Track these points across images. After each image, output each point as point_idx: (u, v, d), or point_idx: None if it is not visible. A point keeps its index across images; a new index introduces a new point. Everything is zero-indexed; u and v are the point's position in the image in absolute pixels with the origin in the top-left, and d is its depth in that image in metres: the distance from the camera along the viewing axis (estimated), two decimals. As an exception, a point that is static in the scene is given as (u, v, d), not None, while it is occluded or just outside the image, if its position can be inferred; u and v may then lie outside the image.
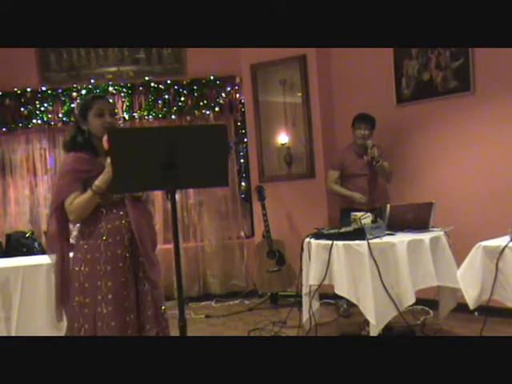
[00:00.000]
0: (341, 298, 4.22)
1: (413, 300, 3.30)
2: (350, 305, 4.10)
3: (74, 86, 5.49)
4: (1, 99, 5.41)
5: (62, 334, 3.24)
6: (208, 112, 5.64)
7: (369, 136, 4.40)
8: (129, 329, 2.35)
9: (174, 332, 2.10)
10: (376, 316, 3.24)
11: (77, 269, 2.36)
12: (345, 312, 4.56)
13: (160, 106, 5.59)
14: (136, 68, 5.66)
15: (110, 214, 2.39)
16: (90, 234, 2.38)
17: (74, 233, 2.53)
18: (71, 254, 2.45)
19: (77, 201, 2.34)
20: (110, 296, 2.32)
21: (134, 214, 2.41)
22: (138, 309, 2.40)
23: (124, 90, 5.55)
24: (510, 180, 4.20)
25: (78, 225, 2.48)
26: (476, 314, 3.61)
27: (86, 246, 2.37)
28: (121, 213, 2.40)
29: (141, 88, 5.58)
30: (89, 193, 2.33)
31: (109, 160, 2.22)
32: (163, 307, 2.49)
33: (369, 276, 3.26)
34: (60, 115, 5.48)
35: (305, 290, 3.71)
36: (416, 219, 3.69)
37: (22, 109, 5.43)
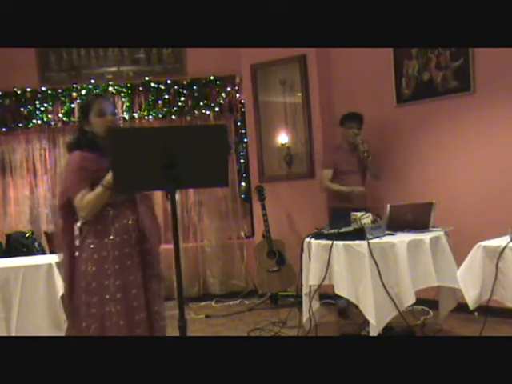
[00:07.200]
0: (341, 298, 4.22)
1: (413, 300, 3.30)
2: (351, 304, 4.02)
3: (74, 85, 5.49)
4: (1, 99, 5.41)
5: (62, 333, 3.25)
6: (208, 112, 5.65)
7: (359, 133, 4.53)
8: (138, 328, 2.33)
9: (174, 332, 2.10)
10: (376, 316, 3.24)
11: (83, 268, 2.34)
12: (342, 306, 4.39)
13: (160, 106, 5.59)
14: (136, 68, 5.67)
15: (118, 213, 2.37)
16: (97, 234, 2.35)
17: (77, 232, 2.51)
18: (76, 254, 2.42)
19: (88, 197, 2.31)
20: (118, 295, 2.31)
21: (144, 211, 2.41)
22: (147, 307, 2.39)
23: (124, 89, 5.55)
24: (510, 180, 4.20)
25: (78, 224, 2.46)
26: (476, 314, 3.60)
27: (92, 246, 2.35)
28: (128, 211, 2.39)
29: (141, 88, 5.58)
30: (100, 188, 2.29)
31: None
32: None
33: (369, 276, 3.26)
34: (60, 115, 5.49)
35: (305, 290, 3.71)
36: (416, 219, 3.68)
37: (22, 109, 5.43)
